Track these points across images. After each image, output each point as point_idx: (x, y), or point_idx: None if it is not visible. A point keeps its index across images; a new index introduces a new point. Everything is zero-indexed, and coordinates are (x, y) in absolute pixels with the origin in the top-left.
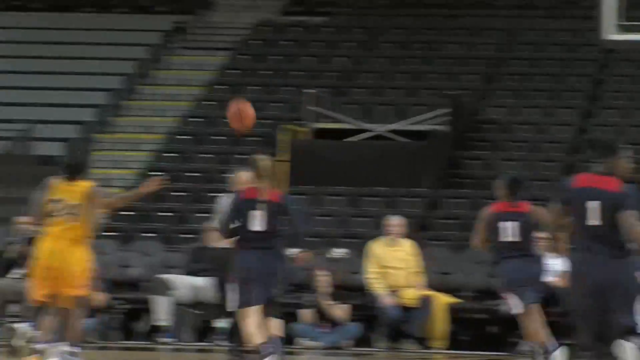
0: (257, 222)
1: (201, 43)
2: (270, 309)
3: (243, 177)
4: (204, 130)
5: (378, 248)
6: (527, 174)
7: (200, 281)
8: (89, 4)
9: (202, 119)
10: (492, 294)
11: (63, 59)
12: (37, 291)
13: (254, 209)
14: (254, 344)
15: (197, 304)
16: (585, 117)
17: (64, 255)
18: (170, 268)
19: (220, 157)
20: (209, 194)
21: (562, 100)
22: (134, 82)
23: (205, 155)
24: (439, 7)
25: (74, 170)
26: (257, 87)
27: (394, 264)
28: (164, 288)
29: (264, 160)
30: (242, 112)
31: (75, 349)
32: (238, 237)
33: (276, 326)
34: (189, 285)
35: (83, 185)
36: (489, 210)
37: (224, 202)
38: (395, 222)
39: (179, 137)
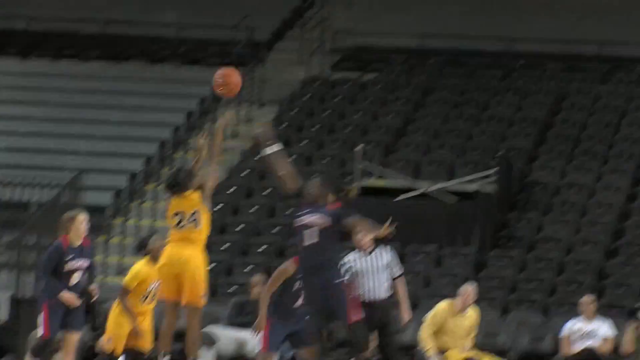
0: None
1: (250, 97)
2: None
3: None
4: (251, 183)
5: (445, 313)
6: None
7: (244, 334)
8: (140, 55)
9: (250, 170)
10: (538, 357)
11: (113, 109)
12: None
13: None
14: None
15: (239, 358)
16: (635, 182)
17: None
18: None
19: (267, 208)
20: (254, 247)
21: (612, 164)
22: (183, 134)
23: (251, 209)
24: (489, 68)
25: (181, 185)
26: (306, 142)
27: (455, 330)
28: (209, 341)
29: None
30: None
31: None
32: None
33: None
34: (233, 338)
35: (195, 195)
36: None
37: None
38: (472, 291)
39: (228, 188)
